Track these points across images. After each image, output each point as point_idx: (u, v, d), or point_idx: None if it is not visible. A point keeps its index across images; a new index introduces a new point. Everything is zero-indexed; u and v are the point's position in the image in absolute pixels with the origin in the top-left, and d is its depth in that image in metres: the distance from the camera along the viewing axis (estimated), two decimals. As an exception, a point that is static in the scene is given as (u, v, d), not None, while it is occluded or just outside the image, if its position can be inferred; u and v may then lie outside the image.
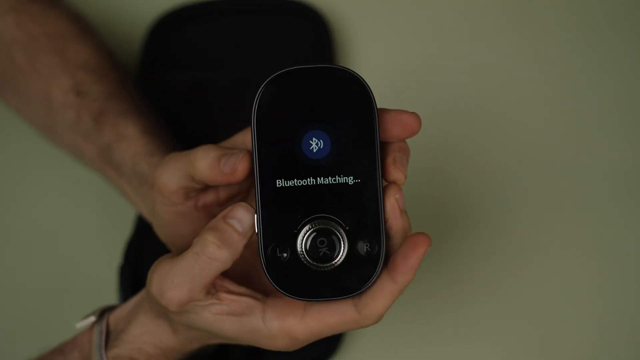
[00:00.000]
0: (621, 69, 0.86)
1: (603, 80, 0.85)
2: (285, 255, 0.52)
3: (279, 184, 0.52)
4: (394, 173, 0.52)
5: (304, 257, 0.52)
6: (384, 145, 0.53)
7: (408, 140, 0.54)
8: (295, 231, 0.52)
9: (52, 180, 0.82)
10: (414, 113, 0.53)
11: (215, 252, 0.52)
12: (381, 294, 0.52)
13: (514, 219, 0.80)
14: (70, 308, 0.78)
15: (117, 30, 0.87)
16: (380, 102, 0.54)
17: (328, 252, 0.52)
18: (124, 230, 0.78)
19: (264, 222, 0.52)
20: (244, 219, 0.52)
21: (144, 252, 0.74)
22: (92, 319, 0.62)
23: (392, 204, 0.52)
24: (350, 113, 0.52)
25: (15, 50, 0.75)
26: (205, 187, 0.58)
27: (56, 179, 0.82)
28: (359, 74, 0.52)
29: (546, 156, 0.83)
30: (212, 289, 0.54)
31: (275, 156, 0.52)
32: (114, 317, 0.62)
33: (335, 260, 0.52)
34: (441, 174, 0.82)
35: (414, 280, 0.76)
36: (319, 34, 0.85)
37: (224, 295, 0.54)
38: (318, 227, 0.52)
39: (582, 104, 0.85)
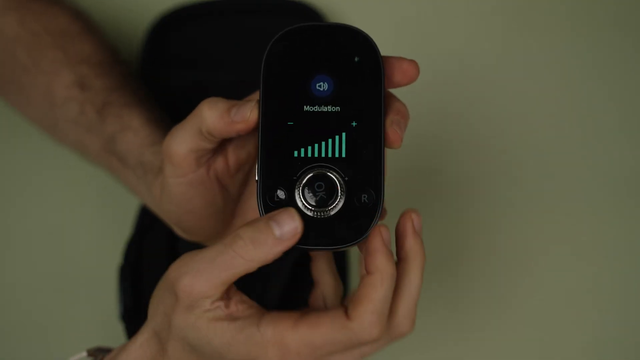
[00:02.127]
0: (621, 69, 0.86)
1: (603, 80, 0.86)
2: (282, 199, 0.52)
3: (281, 132, 0.52)
4: (391, 134, 0.52)
5: (301, 200, 0.52)
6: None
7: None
8: (295, 178, 0.52)
9: (51, 180, 0.82)
10: (412, 60, 0.53)
11: (242, 248, 0.50)
12: (364, 297, 0.50)
13: (512, 219, 0.80)
14: (70, 308, 0.78)
15: (118, 29, 0.87)
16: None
17: (325, 197, 0.52)
18: (124, 230, 0.78)
19: (264, 168, 0.52)
20: (285, 224, 0.50)
21: (144, 252, 0.74)
22: (84, 354, 0.61)
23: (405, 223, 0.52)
24: (357, 64, 0.53)
25: (17, 47, 0.75)
26: (215, 151, 0.57)
27: (56, 179, 0.82)
28: (365, 31, 0.53)
29: (546, 156, 0.83)
30: (224, 295, 0.53)
31: (280, 104, 0.53)
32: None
33: (332, 207, 0.52)
34: (439, 172, 0.82)
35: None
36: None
37: (233, 303, 0.53)
38: (317, 172, 0.52)
39: (581, 104, 0.85)
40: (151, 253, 0.74)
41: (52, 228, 0.81)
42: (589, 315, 0.77)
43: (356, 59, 0.53)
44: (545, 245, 0.79)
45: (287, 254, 0.52)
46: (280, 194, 0.52)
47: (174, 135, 0.56)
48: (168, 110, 0.81)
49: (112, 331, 0.75)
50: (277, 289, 0.71)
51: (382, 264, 0.50)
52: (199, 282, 0.51)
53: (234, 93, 0.82)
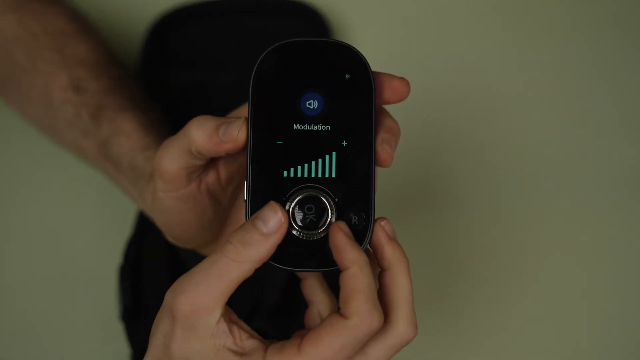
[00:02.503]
0: (621, 69, 0.86)
1: (603, 80, 0.86)
2: None
3: (270, 151, 0.52)
4: (382, 153, 0.52)
5: (291, 222, 0.51)
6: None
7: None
8: (284, 199, 0.51)
9: (51, 180, 0.82)
10: (403, 78, 0.53)
11: (232, 251, 0.50)
12: (351, 292, 0.49)
13: (513, 220, 0.80)
14: (70, 308, 0.78)
15: (118, 29, 0.87)
16: (380, 103, 0.54)
17: (315, 220, 0.51)
18: (124, 230, 0.78)
19: (253, 188, 0.51)
20: (269, 219, 0.50)
21: (144, 252, 0.74)
22: None
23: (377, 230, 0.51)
24: (347, 81, 0.52)
25: (16, 48, 0.75)
26: (206, 166, 0.57)
27: (55, 179, 0.82)
28: (357, 48, 0.53)
29: (546, 156, 0.83)
30: (226, 317, 0.51)
31: (270, 122, 0.52)
32: None
33: (322, 229, 0.51)
34: (439, 174, 0.82)
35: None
36: (319, 34, 0.85)
37: (236, 330, 0.51)
38: (307, 194, 0.51)
39: (582, 103, 0.85)
40: (151, 253, 0.74)
41: (51, 228, 0.81)
42: (589, 315, 0.77)
43: (347, 76, 0.52)
44: (545, 245, 0.79)
45: (279, 270, 0.51)
46: None
47: (165, 152, 0.56)
48: (168, 110, 0.81)
49: (112, 331, 0.75)
50: (275, 294, 0.71)
51: (354, 255, 0.50)
52: (197, 296, 0.50)
53: (234, 93, 0.82)
